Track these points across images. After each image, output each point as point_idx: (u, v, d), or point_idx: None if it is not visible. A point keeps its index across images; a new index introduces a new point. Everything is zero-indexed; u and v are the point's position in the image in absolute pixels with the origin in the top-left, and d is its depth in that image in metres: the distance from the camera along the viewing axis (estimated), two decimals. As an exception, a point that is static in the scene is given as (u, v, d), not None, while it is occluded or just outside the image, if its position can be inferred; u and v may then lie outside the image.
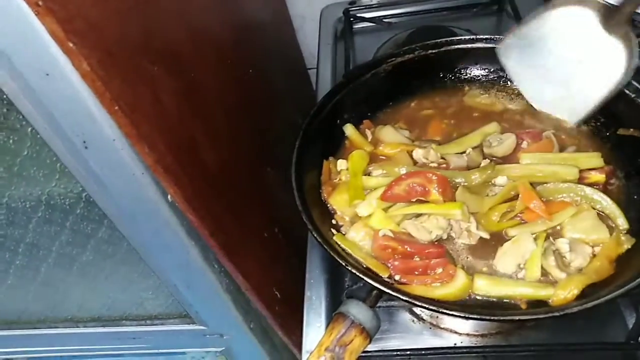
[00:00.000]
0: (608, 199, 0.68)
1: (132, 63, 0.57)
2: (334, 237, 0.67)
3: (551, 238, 0.65)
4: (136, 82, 0.58)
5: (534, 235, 0.65)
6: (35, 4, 0.45)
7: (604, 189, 0.70)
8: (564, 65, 0.75)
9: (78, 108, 0.55)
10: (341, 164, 0.78)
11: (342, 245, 0.66)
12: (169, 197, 0.68)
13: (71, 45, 0.48)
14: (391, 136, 0.82)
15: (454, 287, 0.60)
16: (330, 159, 0.80)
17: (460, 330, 0.70)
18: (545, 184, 0.71)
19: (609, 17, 0.68)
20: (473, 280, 0.61)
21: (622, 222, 0.66)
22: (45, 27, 0.46)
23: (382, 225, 0.68)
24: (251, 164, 0.95)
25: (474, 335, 0.70)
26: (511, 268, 0.63)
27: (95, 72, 0.50)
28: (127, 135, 0.58)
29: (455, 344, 0.69)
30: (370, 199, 0.71)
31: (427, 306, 0.55)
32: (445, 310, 0.55)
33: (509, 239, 0.66)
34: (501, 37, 0.83)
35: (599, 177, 0.71)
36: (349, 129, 0.84)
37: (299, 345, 0.74)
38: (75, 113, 0.56)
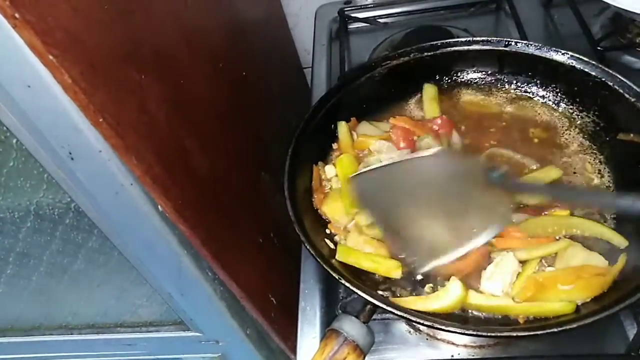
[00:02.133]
0: (597, 225, 0.65)
1: (117, 73, 0.55)
2: (338, 248, 0.67)
3: (543, 261, 0.64)
4: (122, 92, 0.56)
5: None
6: (12, 17, 0.43)
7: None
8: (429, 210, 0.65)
9: (62, 120, 0.54)
10: (330, 170, 0.77)
11: (348, 260, 0.66)
12: (159, 207, 0.66)
13: (51, 57, 0.46)
14: (367, 131, 0.82)
15: (449, 299, 0.59)
16: (320, 164, 0.79)
17: (457, 342, 0.69)
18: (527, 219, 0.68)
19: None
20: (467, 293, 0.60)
21: (619, 242, 0.63)
22: (24, 39, 0.45)
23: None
24: (245, 168, 0.94)
25: (472, 347, 0.68)
26: (497, 291, 0.61)
27: (77, 84, 0.49)
28: (114, 147, 0.56)
29: (452, 356, 0.68)
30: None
31: (422, 321, 0.54)
32: (441, 326, 0.54)
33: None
34: (499, 38, 0.81)
35: (563, 212, 0.68)
36: (342, 127, 0.82)
37: (295, 350, 0.73)
38: (59, 125, 0.54)
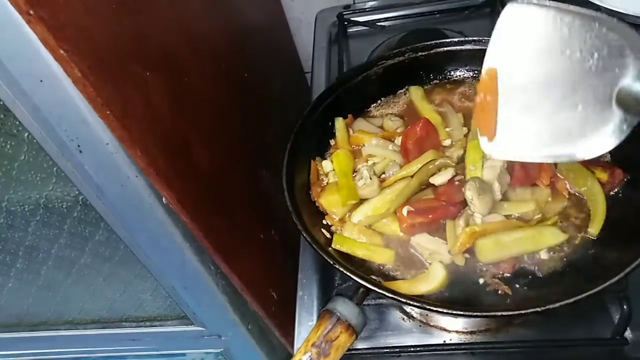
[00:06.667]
0: (603, 201, 0.66)
1: (124, 69, 0.58)
2: (334, 237, 0.70)
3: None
4: (128, 87, 0.59)
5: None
6: (27, 13, 0.46)
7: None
8: None
9: (72, 113, 0.57)
10: (327, 165, 0.80)
11: (343, 247, 0.68)
12: (163, 199, 0.69)
13: (62, 52, 0.49)
14: (362, 127, 0.85)
15: (435, 281, 0.62)
16: (317, 159, 0.82)
17: (449, 328, 0.71)
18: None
19: None
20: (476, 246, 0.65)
21: (593, 230, 0.65)
22: (37, 35, 0.48)
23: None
24: (246, 166, 0.97)
25: (463, 333, 0.71)
26: None
27: (86, 77, 0.52)
28: (120, 139, 0.59)
29: (444, 341, 0.70)
30: (363, 209, 0.73)
31: (412, 303, 0.56)
32: (430, 307, 0.56)
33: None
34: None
35: (602, 174, 0.68)
36: (340, 123, 0.85)
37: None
38: (69, 118, 0.57)
